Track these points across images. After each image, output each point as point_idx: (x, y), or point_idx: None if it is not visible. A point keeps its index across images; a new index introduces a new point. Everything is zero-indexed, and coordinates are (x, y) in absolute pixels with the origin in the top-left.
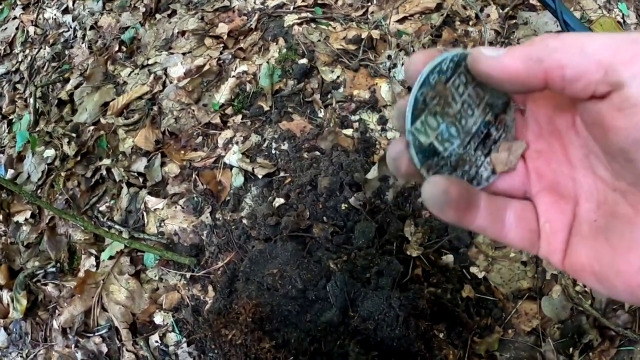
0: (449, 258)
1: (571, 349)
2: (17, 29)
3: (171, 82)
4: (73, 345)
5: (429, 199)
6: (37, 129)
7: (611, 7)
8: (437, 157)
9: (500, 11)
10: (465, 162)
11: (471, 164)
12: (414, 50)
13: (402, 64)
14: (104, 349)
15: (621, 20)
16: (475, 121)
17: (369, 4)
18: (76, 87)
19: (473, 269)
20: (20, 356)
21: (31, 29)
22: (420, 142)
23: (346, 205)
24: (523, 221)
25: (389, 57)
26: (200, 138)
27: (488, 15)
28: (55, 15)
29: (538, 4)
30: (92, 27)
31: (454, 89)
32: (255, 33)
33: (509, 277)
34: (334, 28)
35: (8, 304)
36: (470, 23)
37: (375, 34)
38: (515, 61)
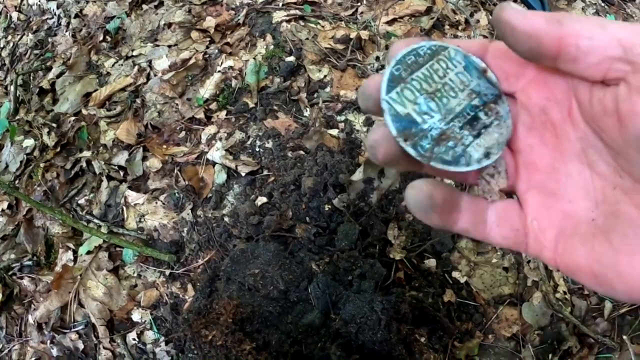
0: (431, 262)
1: (550, 356)
2: None
3: (155, 75)
4: (48, 341)
5: (413, 204)
6: (17, 117)
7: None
8: (416, 128)
9: (490, 17)
10: (449, 137)
11: (456, 141)
12: None
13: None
14: (80, 346)
15: None
16: (460, 103)
17: (359, 4)
18: (58, 76)
19: (455, 274)
20: None
21: (14, 15)
22: (396, 111)
23: (330, 206)
24: (505, 221)
25: (377, 58)
26: (183, 133)
27: (478, 21)
28: (39, 1)
29: None
30: (76, 15)
31: (432, 71)
32: (242, 28)
33: (491, 282)
34: (323, 27)
35: None
36: (460, 28)
37: (364, 34)
38: (538, 17)
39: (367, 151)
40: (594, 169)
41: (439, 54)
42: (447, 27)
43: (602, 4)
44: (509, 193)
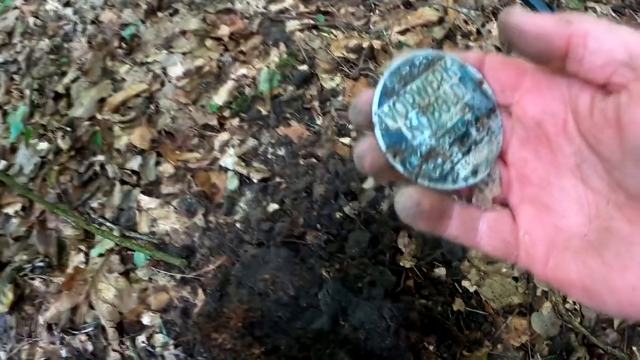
0: (441, 271)
1: None
2: (17, 19)
3: (170, 82)
4: (58, 342)
5: (401, 210)
6: (32, 120)
7: None
8: (405, 144)
9: None
10: (438, 154)
11: (445, 158)
12: None
13: None
14: (90, 347)
15: None
16: (451, 117)
17: (372, 13)
18: (73, 81)
19: (465, 283)
20: (4, 350)
21: (31, 20)
22: (386, 125)
23: (341, 214)
24: (496, 232)
25: None
26: (196, 139)
27: (489, 31)
28: (56, 7)
29: None
30: (92, 22)
31: (427, 83)
32: (256, 37)
33: (500, 292)
34: (336, 36)
35: None
36: (472, 38)
37: (377, 44)
38: (546, 17)
39: (355, 161)
40: (587, 184)
41: (435, 64)
42: (459, 37)
43: (613, 15)
44: (502, 204)
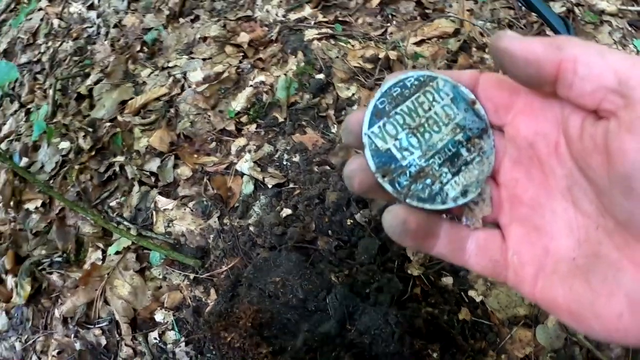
0: (448, 280)
1: None
2: (41, 20)
3: (190, 87)
4: (72, 335)
5: (388, 227)
6: (55, 120)
7: (626, 43)
8: (395, 164)
9: None
10: (427, 175)
11: (434, 179)
12: None
13: None
14: (103, 341)
15: None
16: (442, 138)
17: (389, 24)
18: (96, 83)
19: (471, 293)
20: (19, 341)
21: (55, 22)
22: (376, 146)
23: (352, 221)
24: (484, 251)
25: None
26: (214, 143)
27: None
28: (80, 10)
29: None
30: (115, 26)
31: (417, 104)
32: (275, 45)
33: (506, 303)
34: (353, 46)
35: (12, 289)
36: (486, 50)
37: (393, 54)
38: (536, 42)
39: (344, 181)
40: (578, 207)
41: (426, 85)
42: (474, 49)
43: (629, 29)
44: (492, 224)
